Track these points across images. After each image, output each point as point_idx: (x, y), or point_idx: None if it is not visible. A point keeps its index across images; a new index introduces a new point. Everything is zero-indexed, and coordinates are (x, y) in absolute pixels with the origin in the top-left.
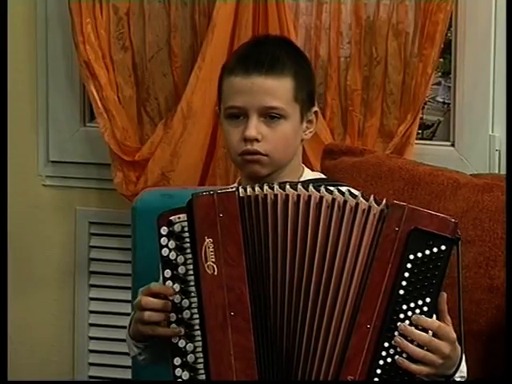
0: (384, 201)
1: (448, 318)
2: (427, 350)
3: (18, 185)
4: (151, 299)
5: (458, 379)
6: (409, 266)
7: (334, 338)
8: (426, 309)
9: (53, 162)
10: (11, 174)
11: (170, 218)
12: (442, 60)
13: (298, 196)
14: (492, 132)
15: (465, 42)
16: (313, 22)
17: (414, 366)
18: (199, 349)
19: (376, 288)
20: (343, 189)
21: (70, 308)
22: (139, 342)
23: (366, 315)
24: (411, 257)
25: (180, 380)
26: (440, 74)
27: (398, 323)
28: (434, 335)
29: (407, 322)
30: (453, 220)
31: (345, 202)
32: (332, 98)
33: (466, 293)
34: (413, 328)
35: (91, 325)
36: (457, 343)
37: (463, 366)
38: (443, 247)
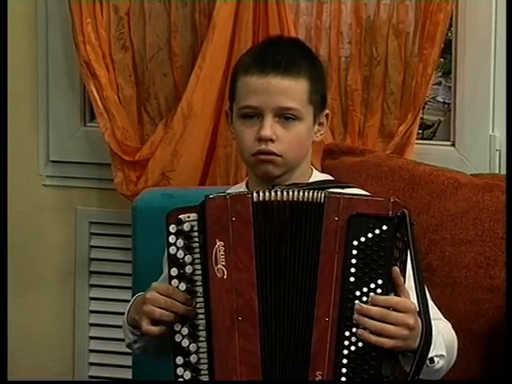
0: (322, 194)
1: (405, 291)
2: (389, 324)
3: (18, 185)
4: (174, 302)
5: (436, 359)
6: (354, 252)
7: (308, 336)
8: (379, 291)
9: (53, 161)
10: (11, 174)
11: (180, 216)
12: (442, 60)
13: (307, 202)
14: (492, 132)
15: (465, 41)
16: (313, 22)
17: (373, 338)
18: (202, 349)
19: (327, 280)
20: (351, 190)
21: (70, 308)
22: (136, 329)
23: (322, 309)
24: (355, 243)
25: (181, 380)
26: (440, 73)
27: (355, 311)
28: (395, 310)
29: (364, 306)
30: (390, 199)
31: None
32: (332, 98)
33: (466, 293)
34: (369, 306)
35: (91, 324)
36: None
37: (440, 343)
38: (385, 227)
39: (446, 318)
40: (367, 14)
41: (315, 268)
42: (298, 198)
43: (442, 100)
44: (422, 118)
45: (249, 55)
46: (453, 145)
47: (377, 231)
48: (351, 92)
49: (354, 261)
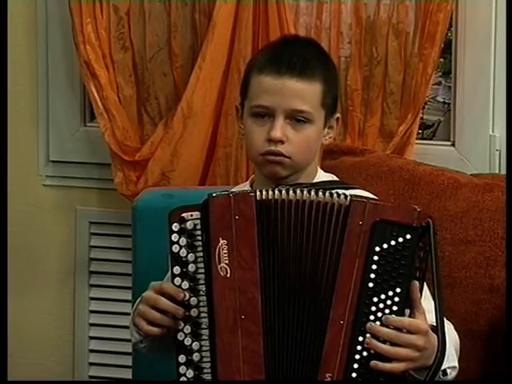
0: (349, 197)
1: (420, 307)
2: (399, 346)
3: (18, 185)
4: (164, 300)
5: (449, 371)
6: (376, 258)
7: (319, 337)
8: (397, 299)
9: (53, 161)
10: (11, 173)
11: (182, 214)
12: (442, 60)
13: (319, 202)
14: (492, 132)
15: (465, 41)
16: (313, 22)
17: (388, 366)
18: (205, 348)
19: (346, 283)
20: (355, 192)
21: (70, 308)
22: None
23: (338, 311)
24: (377, 249)
25: (184, 378)
26: (440, 73)
27: (371, 316)
28: (407, 331)
29: (379, 314)
30: (417, 209)
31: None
32: None
33: (466, 293)
34: (379, 326)
35: (91, 324)
36: (431, 332)
37: (452, 356)
38: (408, 236)
39: (446, 318)
40: (367, 14)
41: (333, 270)
42: (309, 197)
43: (442, 100)
44: (422, 118)
45: (263, 54)
46: (453, 145)
47: (400, 239)
48: (351, 92)
49: (374, 267)
